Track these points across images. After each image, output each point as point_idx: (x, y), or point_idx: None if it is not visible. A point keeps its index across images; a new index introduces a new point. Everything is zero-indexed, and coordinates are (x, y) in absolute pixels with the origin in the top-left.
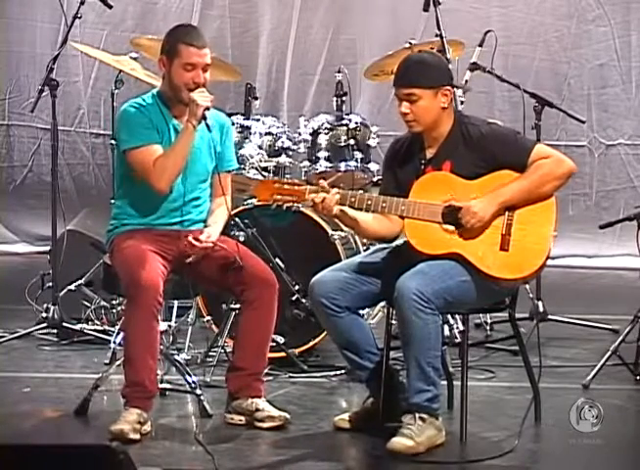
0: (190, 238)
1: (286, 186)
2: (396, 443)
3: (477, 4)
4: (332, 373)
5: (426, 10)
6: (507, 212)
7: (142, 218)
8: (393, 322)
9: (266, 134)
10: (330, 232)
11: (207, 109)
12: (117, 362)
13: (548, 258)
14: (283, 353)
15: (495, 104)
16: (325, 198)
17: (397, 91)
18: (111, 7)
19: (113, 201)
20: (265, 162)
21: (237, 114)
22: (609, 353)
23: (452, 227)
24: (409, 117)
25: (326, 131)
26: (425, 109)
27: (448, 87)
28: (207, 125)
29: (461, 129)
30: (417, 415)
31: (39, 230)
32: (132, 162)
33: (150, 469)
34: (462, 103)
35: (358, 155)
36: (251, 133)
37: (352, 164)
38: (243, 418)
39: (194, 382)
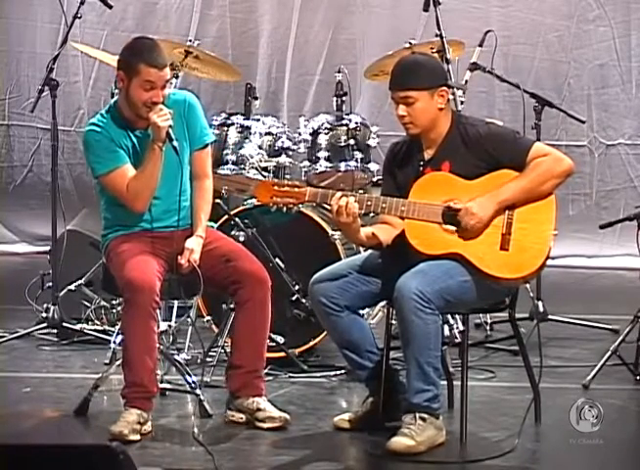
0: (180, 259)
1: (285, 188)
2: (397, 442)
3: (477, 4)
4: (332, 373)
5: (426, 10)
6: (507, 211)
7: (132, 227)
8: (393, 322)
9: (266, 134)
10: (330, 232)
11: (171, 127)
12: (117, 362)
13: (548, 257)
14: (283, 353)
15: (495, 104)
16: (348, 202)
17: (394, 94)
18: (111, 7)
19: None
20: (265, 162)
21: (237, 114)
22: (609, 353)
23: (452, 227)
24: (406, 120)
25: (326, 131)
26: (422, 110)
27: (444, 88)
28: (175, 148)
29: (459, 130)
30: (417, 415)
31: (39, 230)
32: (105, 187)
33: (150, 469)
34: (462, 103)
35: (358, 155)
36: (251, 133)
37: (352, 164)
38: (243, 416)
39: (194, 382)
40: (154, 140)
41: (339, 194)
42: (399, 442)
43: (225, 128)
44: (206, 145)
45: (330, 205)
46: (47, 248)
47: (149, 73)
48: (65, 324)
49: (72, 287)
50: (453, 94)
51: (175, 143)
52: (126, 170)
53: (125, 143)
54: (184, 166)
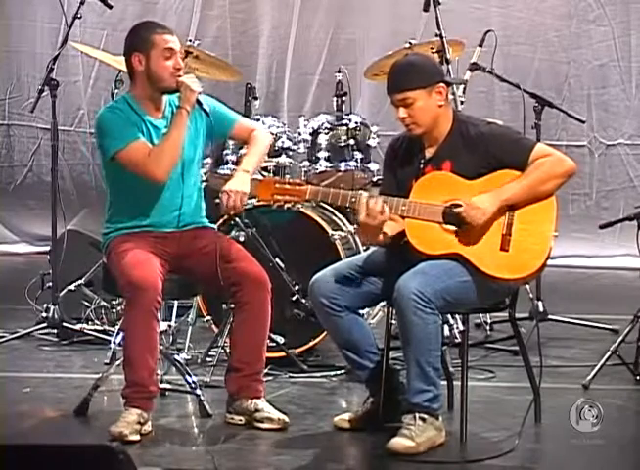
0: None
1: (287, 186)
2: (396, 443)
3: (477, 4)
4: (332, 373)
5: (426, 10)
6: (508, 212)
7: (135, 222)
8: (393, 322)
9: None
10: (330, 232)
11: (200, 93)
12: (117, 362)
13: (548, 258)
14: (283, 353)
15: (495, 104)
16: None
17: (392, 98)
18: (111, 7)
19: None
20: (265, 162)
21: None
22: (609, 353)
23: (453, 227)
24: (408, 121)
25: (326, 131)
26: (422, 110)
27: (441, 84)
28: (205, 110)
29: (460, 129)
30: (417, 415)
31: (39, 230)
32: (124, 162)
33: (150, 469)
34: (462, 103)
35: (358, 155)
36: None
37: (352, 164)
38: (242, 418)
39: (194, 382)
40: (182, 103)
41: (366, 194)
42: (399, 442)
43: None
44: (236, 120)
45: (357, 206)
46: (47, 248)
47: (164, 40)
48: (65, 324)
49: (72, 287)
50: (453, 94)
51: (205, 106)
52: (144, 143)
53: (139, 126)
54: (188, 167)
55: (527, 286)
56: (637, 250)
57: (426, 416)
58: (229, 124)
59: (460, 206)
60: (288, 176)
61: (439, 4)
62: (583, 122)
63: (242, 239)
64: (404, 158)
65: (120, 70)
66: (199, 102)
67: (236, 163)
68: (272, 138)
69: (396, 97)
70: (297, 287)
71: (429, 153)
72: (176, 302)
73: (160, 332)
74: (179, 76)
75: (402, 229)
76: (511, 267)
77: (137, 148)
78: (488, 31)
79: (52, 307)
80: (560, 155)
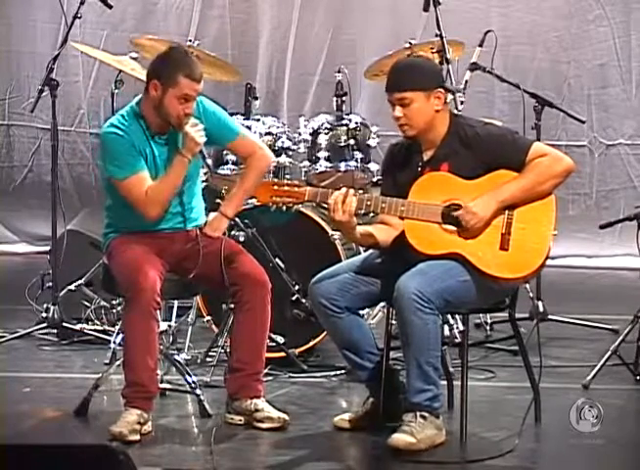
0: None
1: (285, 188)
2: (397, 439)
3: (477, 4)
4: (332, 373)
5: (426, 10)
6: (507, 211)
7: (135, 226)
8: (393, 322)
9: (266, 134)
10: (330, 232)
11: (204, 144)
12: (117, 362)
13: (548, 257)
14: (283, 353)
15: (495, 104)
16: (345, 199)
17: (390, 96)
18: (111, 7)
19: None
20: None
21: (237, 114)
22: (609, 353)
23: (452, 227)
24: (402, 121)
25: (326, 131)
26: (418, 112)
27: (440, 90)
28: (208, 166)
29: (457, 131)
30: (418, 413)
31: (39, 230)
32: (122, 191)
33: (150, 469)
34: (462, 103)
35: (358, 155)
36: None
37: (352, 164)
38: (242, 418)
39: (194, 382)
40: (184, 152)
41: (337, 192)
42: (400, 438)
43: None
44: (238, 133)
45: (328, 203)
46: (47, 248)
47: (189, 87)
48: (65, 324)
49: (72, 287)
50: (453, 94)
51: (209, 161)
52: (145, 176)
53: (145, 150)
54: (191, 172)
55: (527, 286)
56: (637, 250)
57: (426, 414)
58: (230, 137)
59: (459, 206)
60: (288, 176)
61: (439, 4)
62: (583, 122)
63: (242, 239)
64: (403, 162)
65: (120, 71)
66: (202, 154)
67: (236, 163)
68: (272, 161)
69: (395, 96)
70: (297, 287)
71: (426, 156)
72: (176, 302)
73: (159, 332)
74: (186, 122)
75: (397, 233)
76: (511, 266)
77: (135, 183)
78: (488, 31)
79: (52, 307)
80: (557, 154)
